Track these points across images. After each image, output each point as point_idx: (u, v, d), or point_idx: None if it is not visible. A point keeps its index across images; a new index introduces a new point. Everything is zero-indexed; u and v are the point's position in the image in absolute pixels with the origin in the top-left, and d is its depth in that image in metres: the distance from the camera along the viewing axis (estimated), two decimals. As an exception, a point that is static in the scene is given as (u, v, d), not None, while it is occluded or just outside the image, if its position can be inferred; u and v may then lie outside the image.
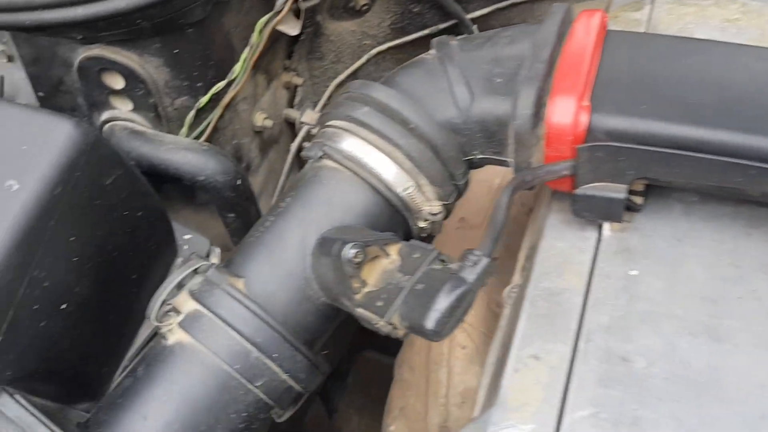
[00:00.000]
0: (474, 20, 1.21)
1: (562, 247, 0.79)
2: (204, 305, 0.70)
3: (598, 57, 0.77)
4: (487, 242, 0.65)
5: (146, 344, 0.85)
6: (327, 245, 0.69)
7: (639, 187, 0.77)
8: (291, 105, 1.11)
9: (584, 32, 0.78)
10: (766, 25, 0.90)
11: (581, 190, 0.75)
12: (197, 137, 0.92)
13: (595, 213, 0.76)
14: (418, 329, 0.62)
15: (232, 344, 0.69)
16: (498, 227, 0.67)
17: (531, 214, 1.00)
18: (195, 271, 0.72)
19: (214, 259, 0.73)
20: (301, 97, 1.12)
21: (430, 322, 0.61)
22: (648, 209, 0.78)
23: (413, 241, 0.69)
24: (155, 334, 0.74)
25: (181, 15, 0.83)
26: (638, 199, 0.77)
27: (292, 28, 0.98)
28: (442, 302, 0.61)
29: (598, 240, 0.78)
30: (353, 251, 0.66)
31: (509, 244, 1.23)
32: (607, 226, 0.78)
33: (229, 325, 0.69)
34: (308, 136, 1.08)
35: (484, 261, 0.63)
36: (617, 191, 0.74)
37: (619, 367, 0.67)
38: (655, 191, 0.78)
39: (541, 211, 0.87)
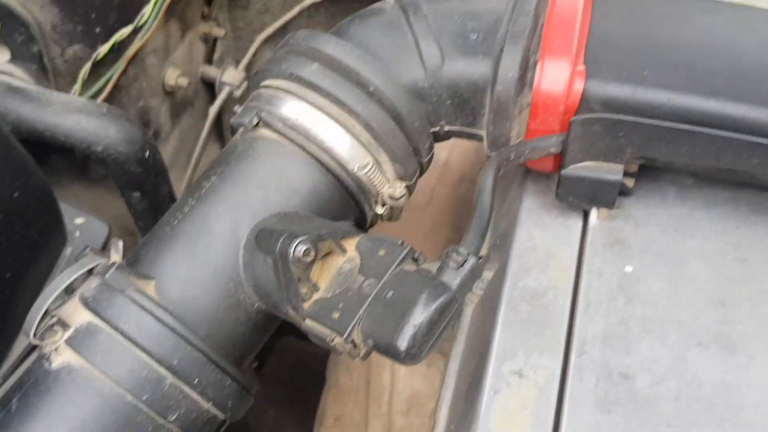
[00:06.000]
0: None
1: (542, 238, 0.67)
2: (101, 317, 0.54)
3: (589, 13, 0.66)
4: (474, 237, 0.52)
5: (21, 362, 0.68)
6: (266, 239, 0.54)
7: (632, 167, 0.66)
8: (209, 61, 0.94)
9: (573, -19, 0.66)
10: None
11: (569, 171, 0.64)
12: (93, 96, 0.74)
13: (583, 197, 0.65)
14: (386, 349, 0.49)
15: (138, 368, 0.53)
16: (485, 218, 0.54)
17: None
18: (90, 272, 0.56)
19: (115, 256, 0.57)
20: (221, 53, 0.95)
21: (403, 342, 0.48)
22: (638, 193, 0.68)
23: (377, 235, 0.55)
24: (32, 350, 0.57)
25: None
26: (630, 182, 0.67)
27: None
28: (419, 316, 0.48)
29: (584, 229, 0.67)
30: (303, 247, 0.52)
31: (434, 217, 1.11)
32: (594, 213, 0.67)
33: (135, 343, 0.53)
34: (230, 100, 0.91)
35: (471, 261, 0.50)
36: (612, 172, 0.64)
37: (620, 386, 0.57)
38: (645, 172, 0.68)
39: (511, 193, 0.75)
